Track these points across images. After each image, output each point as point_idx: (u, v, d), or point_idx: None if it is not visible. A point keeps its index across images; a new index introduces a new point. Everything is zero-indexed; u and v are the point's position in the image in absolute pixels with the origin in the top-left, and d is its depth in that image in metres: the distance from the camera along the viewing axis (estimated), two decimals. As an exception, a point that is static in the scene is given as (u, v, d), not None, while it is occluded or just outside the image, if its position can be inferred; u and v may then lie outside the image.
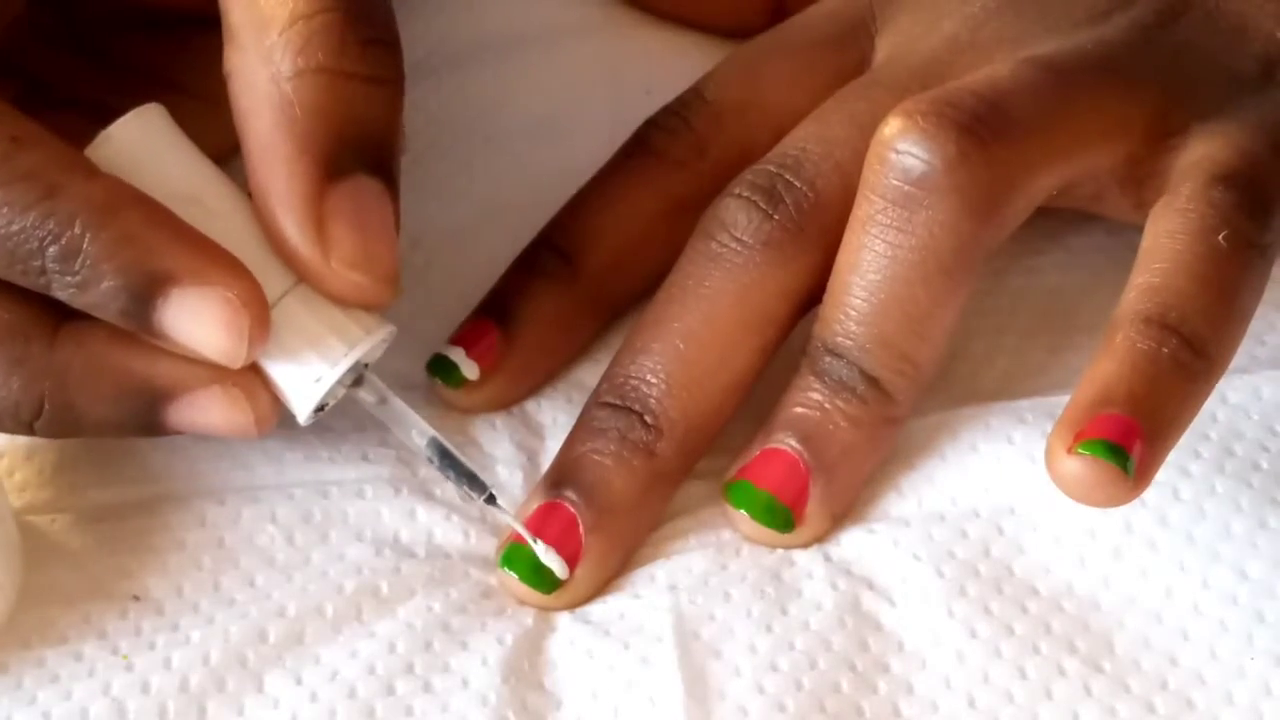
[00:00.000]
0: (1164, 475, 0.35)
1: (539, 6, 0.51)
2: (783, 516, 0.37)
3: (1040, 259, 0.43)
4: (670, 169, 0.41)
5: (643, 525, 0.37)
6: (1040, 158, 0.36)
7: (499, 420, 0.40)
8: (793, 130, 0.39)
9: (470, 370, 0.40)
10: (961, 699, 0.34)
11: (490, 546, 0.37)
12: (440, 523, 0.38)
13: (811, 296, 0.38)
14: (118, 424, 0.35)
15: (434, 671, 0.35)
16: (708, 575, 0.37)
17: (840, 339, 0.37)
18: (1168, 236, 0.35)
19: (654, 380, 0.37)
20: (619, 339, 0.40)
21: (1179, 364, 0.34)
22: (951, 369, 0.39)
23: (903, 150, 0.35)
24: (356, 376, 0.36)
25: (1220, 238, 0.35)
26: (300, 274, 0.35)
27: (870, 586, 0.36)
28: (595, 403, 0.38)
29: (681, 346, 0.37)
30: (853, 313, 0.36)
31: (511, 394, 0.40)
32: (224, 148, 0.35)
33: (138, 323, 0.33)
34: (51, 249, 0.33)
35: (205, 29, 0.35)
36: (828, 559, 0.37)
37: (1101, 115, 0.37)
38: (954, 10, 0.40)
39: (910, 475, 0.38)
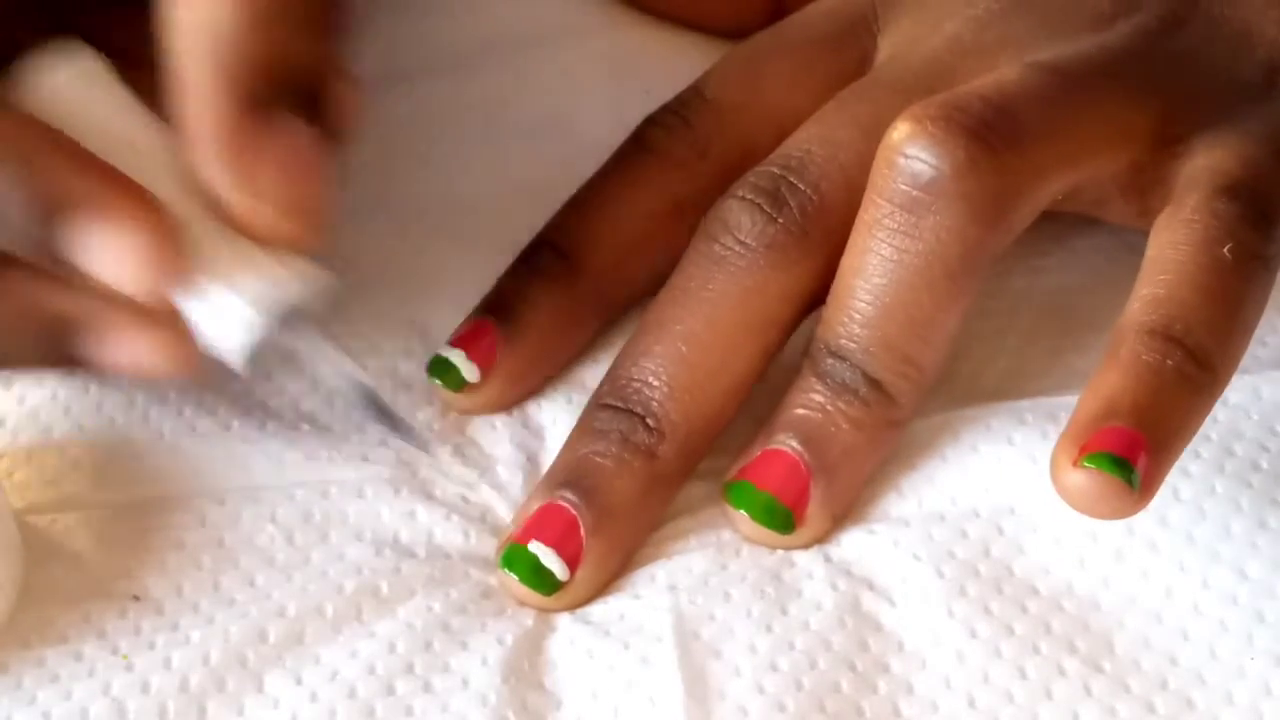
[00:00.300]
0: (1164, 476, 0.35)
1: (539, 6, 0.51)
2: (783, 518, 0.37)
3: (1042, 260, 0.43)
4: (670, 169, 0.41)
5: (643, 528, 0.37)
6: (1047, 164, 0.36)
7: (499, 421, 0.40)
8: (795, 131, 0.39)
9: (470, 372, 0.40)
10: (961, 699, 0.34)
11: (490, 547, 0.37)
12: (440, 523, 0.38)
13: (814, 299, 0.38)
14: (38, 359, 0.35)
15: (434, 671, 0.35)
16: (708, 575, 0.37)
17: (844, 341, 0.37)
18: (1172, 248, 0.35)
19: (656, 383, 0.37)
20: (619, 339, 0.40)
21: (1183, 376, 0.34)
22: (953, 370, 0.39)
23: (911, 155, 0.35)
24: (289, 322, 0.35)
25: (1225, 250, 0.35)
26: (221, 215, 0.34)
27: (870, 587, 0.36)
28: (597, 404, 0.38)
29: (684, 349, 0.37)
30: (857, 315, 0.36)
31: (511, 395, 0.40)
32: None
33: (47, 252, 0.33)
34: None
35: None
36: (828, 559, 0.37)
37: (1107, 122, 0.37)
38: (957, 12, 0.40)
39: (911, 476, 0.38)
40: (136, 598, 0.36)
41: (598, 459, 0.37)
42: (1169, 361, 0.34)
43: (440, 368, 0.40)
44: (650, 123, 0.41)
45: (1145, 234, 0.37)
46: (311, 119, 0.34)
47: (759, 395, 0.38)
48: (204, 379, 0.36)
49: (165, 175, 0.34)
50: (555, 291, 0.40)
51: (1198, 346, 0.34)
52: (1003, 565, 0.36)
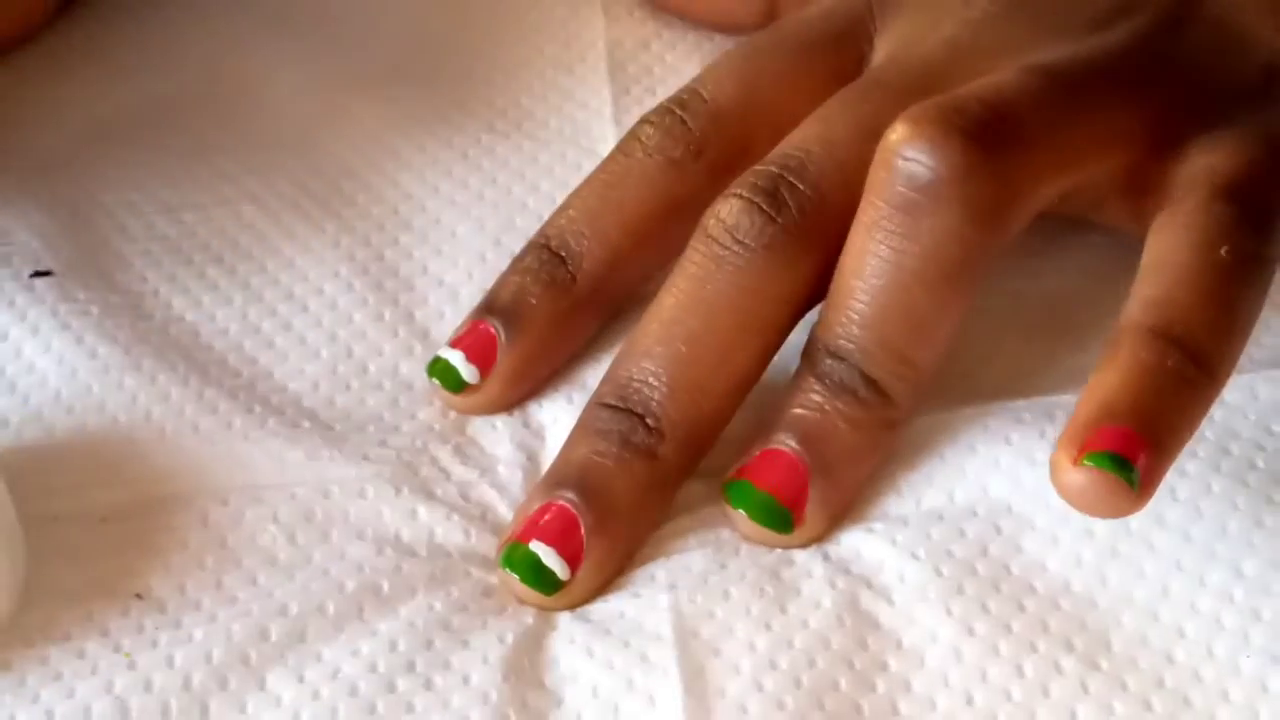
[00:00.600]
0: (1161, 475, 0.35)
1: (538, 6, 0.51)
2: (782, 517, 0.37)
3: (1039, 260, 0.43)
4: (667, 169, 0.41)
5: (644, 527, 0.38)
6: (1045, 166, 0.36)
7: (499, 421, 0.40)
8: (794, 131, 0.39)
9: (470, 373, 0.40)
10: (959, 697, 0.35)
11: (491, 545, 0.37)
12: (441, 522, 0.38)
13: (812, 298, 0.38)
14: None
15: (435, 669, 0.35)
16: (707, 574, 0.37)
17: (842, 342, 0.37)
18: (1171, 249, 0.35)
19: (656, 383, 0.37)
20: (619, 338, 0.40)
21: (1182, 377, 0.34)
22: (950, 370, 0.39)
23: (909, 157, 0.35)
24: None
25: (1223, 251, 0.35)
26: None
27: (869, 585, 0.36)
28: (596, 404, 0.38)
29: (683, 350, 0.37)
30: (855, 316, 0.36)
31: (511, 396, 0.40)
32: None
33: None
34: None
35: None
36: (826, 558, 0.37)
37: (1104, 125, 0.37)
38: (954, 13, 0.40)
39: (909, 475, 0.38)
40: (139, 596, 0.36)
41: (598, 458, 0.37)
42: (1168, 362, 0.34)
43: (440, 369, 0.40)
44: (646, 122, 0.41)
45: (1140, 236, 0.38)
46: None
47: (758, 394, 0.38)
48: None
49: None
50: (554, 292, 0.40)
51: (1196, 347, 0.34)
52: (1000, 564, 0.37)
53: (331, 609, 0.36)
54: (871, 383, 0.37)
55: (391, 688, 0.34)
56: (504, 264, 0.41)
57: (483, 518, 0.38)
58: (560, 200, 0.42)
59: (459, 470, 0.39)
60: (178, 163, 0.46)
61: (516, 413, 0.40)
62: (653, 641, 0.35)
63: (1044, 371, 0.41)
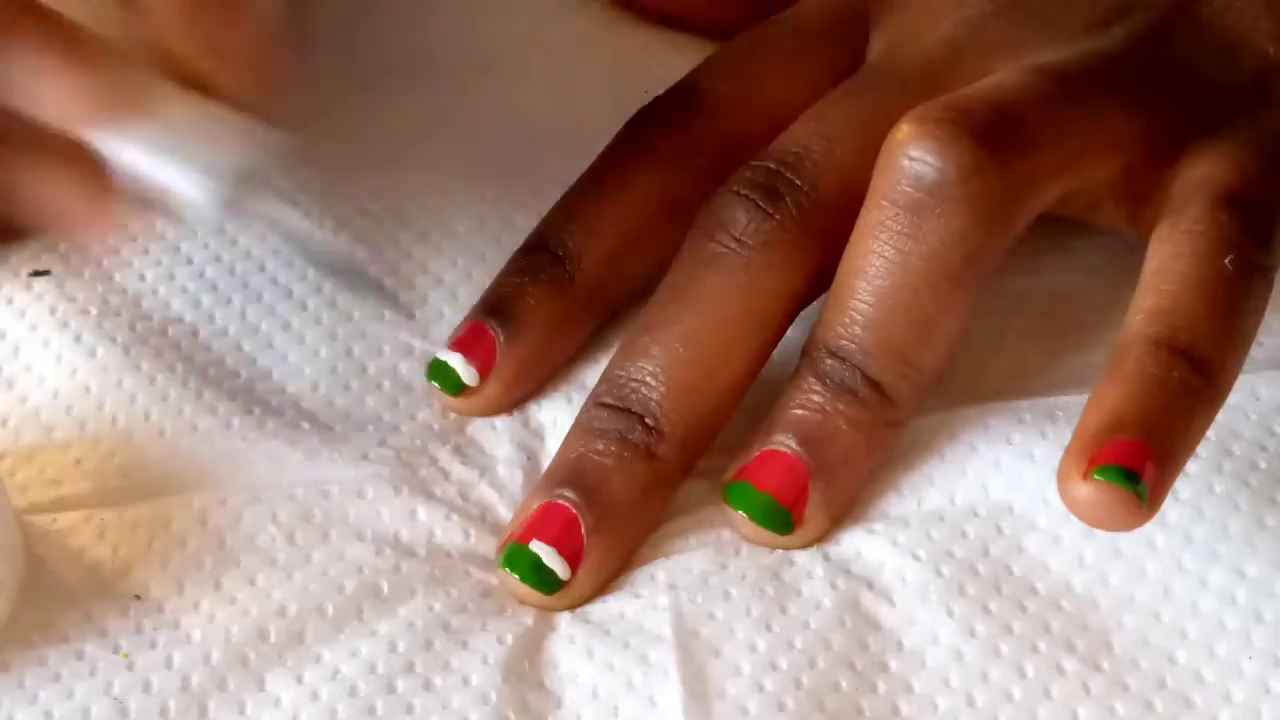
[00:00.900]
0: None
1: (538, 7, 0.51)
2: (782, 518, 0.37)
3: (1039, 260, 0.43)
4: (665, 165, 0.40)
5: (643, 527, 0.37)
6: (1049, 168, 0.36)
7: (499, 421, 0.40)
8: (791, 127, 0.39)
9: (470, 376, 0.39)
10: (960, 698, 0.34)
11: (491, 546, 0.37)
12: (441, 522, 0.38)
13: (810, 296, 0.38)
14: None
15: (435, 670, 0.35)
16: (707, 574, 0.37)
17: (844, 342, 0.37)
18: (1175, 258, 0.35)
19: (654, 383, 0.37)
20: (618, 338, 0.40)
21: (1189, 389, 0.34)
22: (951, 369, 0.39)
23: (916, 157, 0.35)
24: (248, 180, 0.35)
25: (1227, 261, 0.35)
26: (173, 66, 0.34)
27: (869, 586, 0.36)
28: (594, 403, 0.38)
29: (681, 349, 0.37)
30: (858, 317, 0.36)
31: (510, 397, 0.40)
32: None
33: None
34: None
35: None
36: (827, 558, 0.37)
37: (1107, 128, 0.37)
38: (951, 11, 0.40)
39: (909, 475, 0.38)
40: (138, 597, 0.36)
41: (597, 458, 0.37)
42: (1175, 374, 0.34)
43: (440, 371, 0.40)
44: (643, 117, 0.41)
45: (1135, 238, 0.37)
46: None
47: (757, 393, 0.38)
48: (122, 237, 0.35)
49: (103, 17, 0.34)
50: (552, 292, 0.40)
51: (1202, 359, 0.34)
52: (1001, 564, 0.37)
53: (331, 609, 0.36)
54: (873, 383, 0.37)
55: (391, 689, 0.34)
56: (503, 263, 0.41)
57: (482, 518, 0.38)
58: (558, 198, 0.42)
59: (458, 470, 0.39)
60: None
61: (516, 413, 0.40)
62: (653, 642, 0.35)
63: (1044, 371, 0.41)
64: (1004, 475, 0.38)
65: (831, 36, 0.42)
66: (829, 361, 0.37)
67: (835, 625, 0.36)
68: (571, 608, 0.36)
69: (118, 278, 0.43)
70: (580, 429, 0.38)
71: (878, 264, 0.36)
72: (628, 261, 0.41)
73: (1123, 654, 0.35)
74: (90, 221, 0.35)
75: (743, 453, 0.37)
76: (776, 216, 0.37)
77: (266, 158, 0.35)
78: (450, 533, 0.38)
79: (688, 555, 0.37)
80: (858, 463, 0.37)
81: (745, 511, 0.37)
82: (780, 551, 0.37)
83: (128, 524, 0.37)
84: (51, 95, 0.33)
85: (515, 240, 0.42)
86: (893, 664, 0.35)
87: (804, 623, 0.36)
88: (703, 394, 0.37)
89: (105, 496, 0.38)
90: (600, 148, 0.41)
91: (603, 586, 0.37)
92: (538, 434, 0.40)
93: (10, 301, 0.42)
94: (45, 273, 0.42)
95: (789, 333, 0.38)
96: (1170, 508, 0.37)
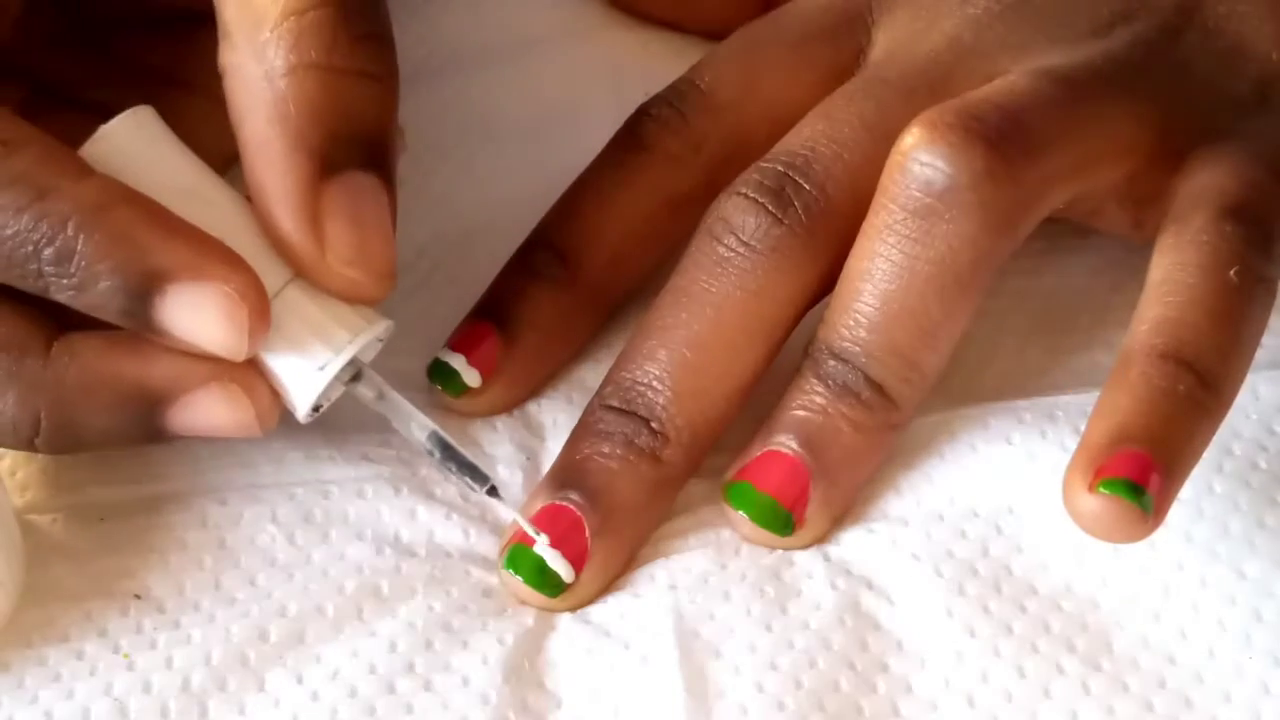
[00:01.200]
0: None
1: (539, 7, 0.51)
2: (783, 519, 0.37)
3: (1040, 261, 0.43)
4: (666, 164, 0.40)
5: (646, 529, 0.37)
6: (1059, 173, 0.36)
7: (499, 421, 0.40)
8: (797, 126, 0.38)
9: (471, 377, 0.39)
10: (960, 698, 0.34)
11: (491, 546, 0.37)
12: (441, 522, 0.38)
13: (816, 299, 0.38)
14: (119, 433, 0.35)
15: (435, 670, 0.35)
16: (707, 575, 0.37)
17: (848, 344, 0.37)
18: (1179, 268, 0.35)
19: (660, 386, 0.37)
20: (619, 338, 0.40)
21: (1193, 400, 0.34)
22: (951, 369, 0.39)
23: (925, 162, 0.35)
24: (355, 372, 0.36)
25: (1232, 273, 0.35)
26: (297, 270, 0.35)
27: (869, 586, 0.36)
28: (600, 405, 0.38)
29: (688, 353, 0.37)
30: (863, 319, 0.36)
31: (512, 398, 0.40)
32: (229, 145, 0.35)
33: (138, 321, 0.33)
34: (47, 252, 0.33)
35: (207, 26, 0.35)
36: (827, 559, 0.37)
37: (1114, 133, 0.37)
38: (954, 10, 0.40)
39: (909, 475, 0.38)
40: (138, 597, 0.36)
41: (602, 460, 0.37)
42: (1180, 386, 0.34)
43: (441, 373, 0.40)
44: (644, 115, 0.41)
45: (1137, 243, 0.37)
46: (376, 170, 0.35)
47: (758, 393, 0.38)
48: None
49: (236, 228, 0.35)
50: (553, 292, 0.40)
51: (1206, 371, 0.34)
52: (1001, 564, 0.37)
53: (331, 609, 0.36)
54: (875, 385, 0.37)
55: (391, 689, 0.34)
56: (504, 262, 0.41)
57: (482, 518, 0.38)
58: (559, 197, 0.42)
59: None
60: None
61: (516, 413, 0.40)
62: (653, 642, 0.35)
63: (1044, 371, 0.41)
64: (1004, 475, 0.38)
65: (832, 33, 0.42)
66: (831, 363, 0.37)
67: (835, 625, 0.36)
68: (574, 609, 0.36)
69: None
70: (585, 431, 0.38)
71: (884, 267, 0.36)
72: (628, 261, 0.41)
73: (1123, 654, 0.35)
74: (258, 429, 0.35)
75: (743, 452, 0.37)
76: (785, 221, 0.37)
77: (371, 347, 0.36)
78: (450, 532, 0.38)
79: (688, 555, 0.37)
80: (859, 464, 0.37)
81: (746, 512, 0.37)
82: (780, 551, 0.37)
83: (128, 524, 0.37)
84: (211, 324, 0.34)
85: (518, 241, 0.41)
86: (893, 664, 0.35)
87: (804, 623, 0.36)
88: (708, 398, 0.37)
89: (106, 496, 0.38)
90: (600, 148, 0.41)
91: (606, 589, 0.37)
92: (538, 434, 0.40)
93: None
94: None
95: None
96: (1170, 508, 0.37)
